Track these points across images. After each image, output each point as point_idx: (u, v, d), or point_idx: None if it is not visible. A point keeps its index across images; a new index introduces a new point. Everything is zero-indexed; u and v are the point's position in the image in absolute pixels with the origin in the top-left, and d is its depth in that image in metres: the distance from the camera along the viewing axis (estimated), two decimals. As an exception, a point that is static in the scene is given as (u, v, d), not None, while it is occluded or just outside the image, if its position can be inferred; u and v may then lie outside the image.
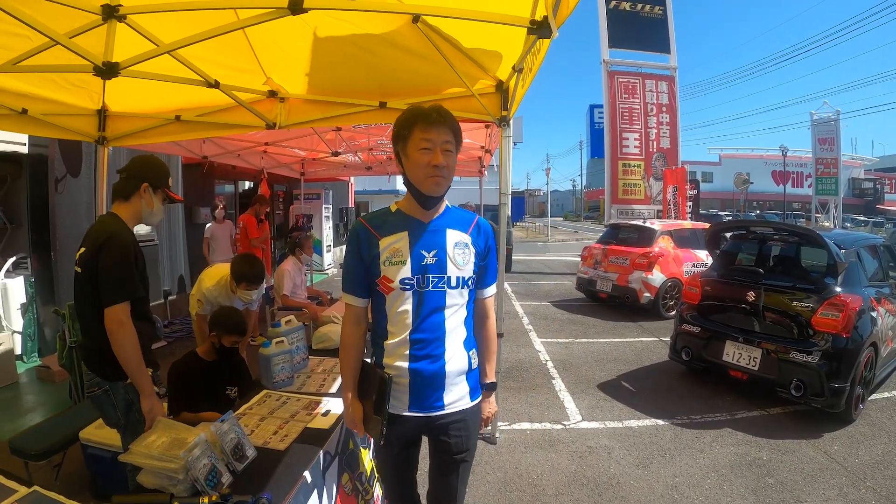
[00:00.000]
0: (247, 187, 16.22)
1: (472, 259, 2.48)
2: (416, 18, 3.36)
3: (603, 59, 21.75)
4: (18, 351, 7.94)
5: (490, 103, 4.74)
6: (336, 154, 9.70)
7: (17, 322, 8.20)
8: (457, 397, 2.49)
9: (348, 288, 2.47)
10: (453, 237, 2.46)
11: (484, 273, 2.58)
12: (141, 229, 10.23)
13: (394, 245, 2.36)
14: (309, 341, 4.58)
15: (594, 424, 5.90)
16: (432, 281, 2.38)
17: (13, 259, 8.42)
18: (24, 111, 4.51)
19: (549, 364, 8.19)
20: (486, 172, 11.73)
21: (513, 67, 4.18)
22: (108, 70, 2.84)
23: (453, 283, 2.41)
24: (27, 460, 3.74)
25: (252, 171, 12.24)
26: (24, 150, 7.89)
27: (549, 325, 11.05)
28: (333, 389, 3.49)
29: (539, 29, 2.87)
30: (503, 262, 5.18)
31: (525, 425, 5.86)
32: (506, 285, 5.10)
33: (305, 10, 2.55)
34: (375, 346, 2.48)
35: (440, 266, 2.39)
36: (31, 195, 8.47)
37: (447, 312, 2.43)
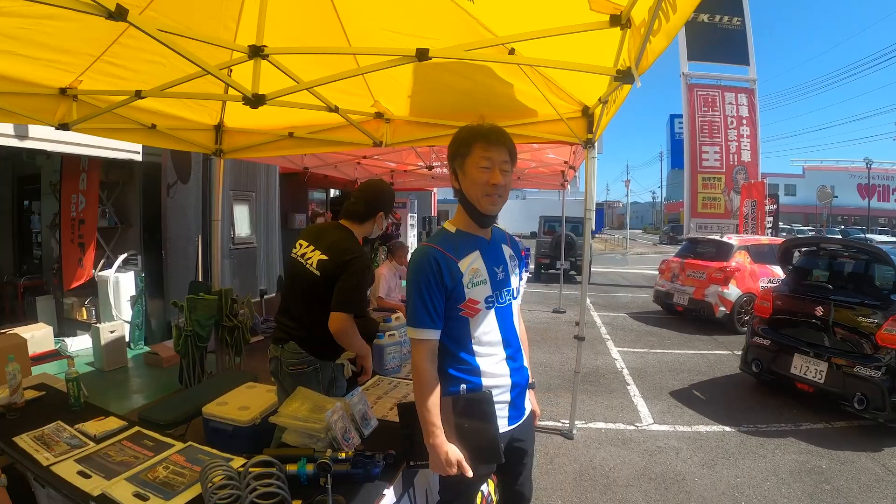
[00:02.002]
0: (332, 195, 16.86)
1: (518, 270, 2.60)
2: (511, 51, 3.72)
3: (682, 71, 21.50)
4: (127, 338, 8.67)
5: (577, 127, 5.03)
6: (430, 168, 10.22)
7: (126, 312, 9.03)
8: (528, 398, 2.65)
9: (426, 322, 2.28)
10: (506, 251, 2.57)
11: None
12: (242, 232, 11.02)
13: (472, 266, 2.36)
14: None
15: (664, 427, 6.19)
16: (504, 295, 2.46)
17: (124, 256, 9.26)
18: (153, 126, 5.08)
19: (625, 371, 8.49)
20: (568, 186, 12.04)
21: (598, 99, 4.46)
22: (256, 101, 3.28)
23: (515, 294, 2.54)
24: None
25: (342, 180, 12.82)
26: (138, 157, 8.57)
27: (625, 335, 11.29)
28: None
29: (623, 77, 3.11)
30: (587, 271, 5.54)
31: (600, 424, 6.24)
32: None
33: (430, 59, 2.96)
34: (456, 372, 2.39)
35: (507, 280, 2.49)
36: (143, 199, 9.32)
37: (515, 321, 2.56)
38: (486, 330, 2.40)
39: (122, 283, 9.05)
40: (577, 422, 6.08)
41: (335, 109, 4.40)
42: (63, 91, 4.27)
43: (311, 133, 5.55)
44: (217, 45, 3.23)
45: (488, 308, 2.39)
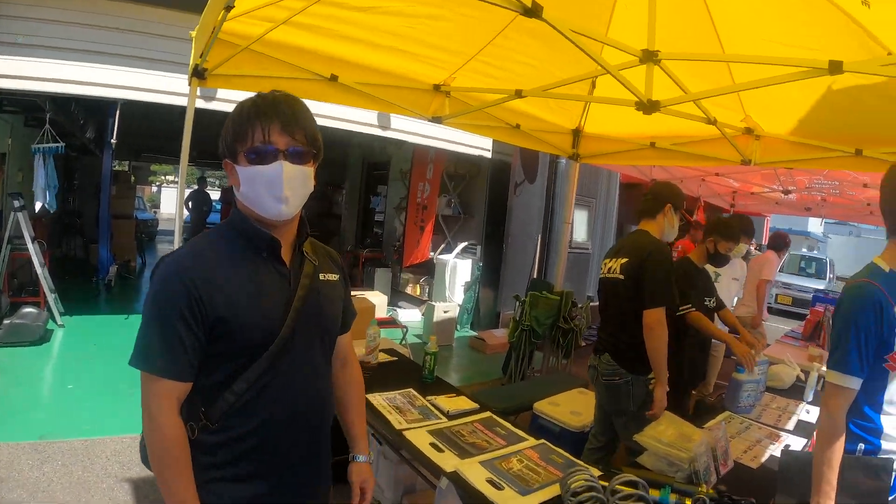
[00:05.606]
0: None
1: None
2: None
3: None
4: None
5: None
6: (786, 192, 9.25)
7: (458, 296, 9.75)
8: None
9: (856, 369, 2.01)
10: None
11: None
12: (578, 236, 11.31)
13: None
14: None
15: None
16: None
17: (464, 244, 10.01)
18: (517, 126, 5.29)
19: None
20: None
21: None
22: (650, 106, 3.18)
23: None
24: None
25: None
26: (488, 155, 9.17)
27: None
28: (790, 426, 3.59)
29: None
30: None
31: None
32: None
33: (842, 72, 2.66)
34: (856, 429, 2.13)
35: None
36: (489, 194, 9.95)
37: None
38: None
39: (459, 269, 9.81)
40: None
41: (713, 122, 4.17)
42: (437, 87, 4.60)
43: (674, 144, 5.32)
44: (615, 47, 3.15)
45: None
